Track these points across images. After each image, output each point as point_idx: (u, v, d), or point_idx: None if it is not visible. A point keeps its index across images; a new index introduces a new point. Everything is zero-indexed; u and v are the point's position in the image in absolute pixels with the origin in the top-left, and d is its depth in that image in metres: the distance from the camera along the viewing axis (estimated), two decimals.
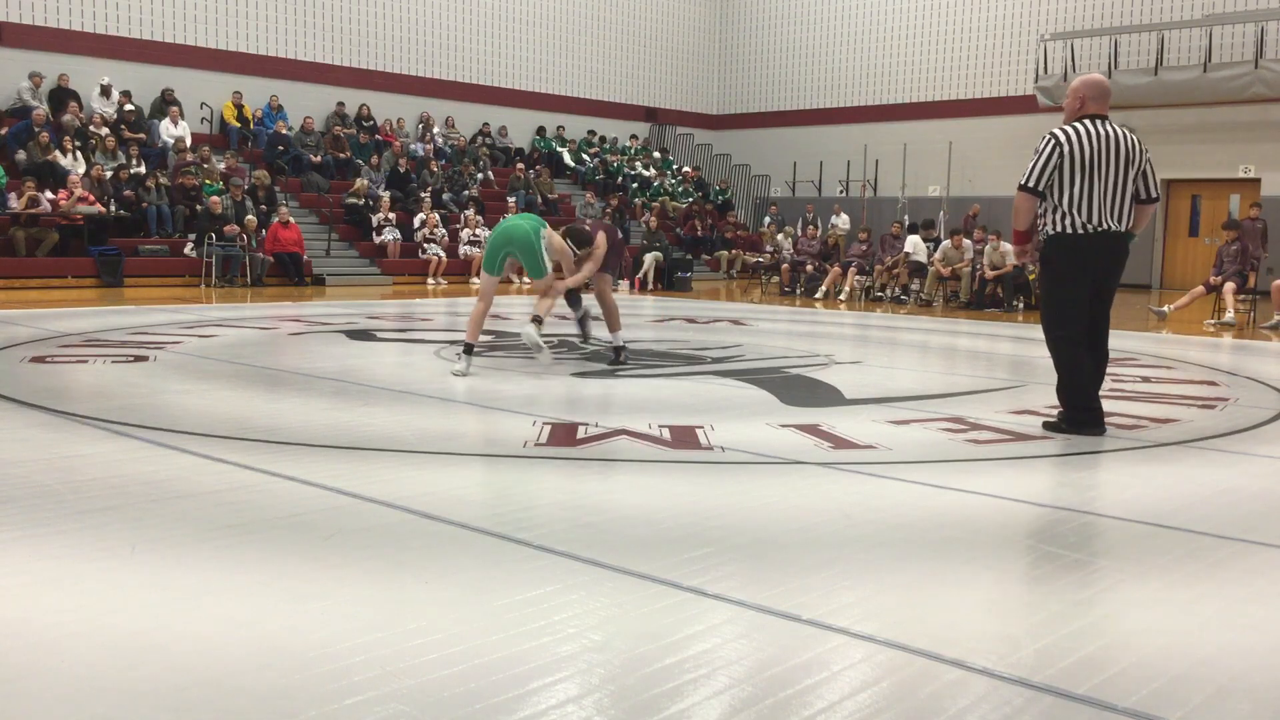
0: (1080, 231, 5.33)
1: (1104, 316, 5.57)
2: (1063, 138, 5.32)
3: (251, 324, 10.49)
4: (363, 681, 2.37)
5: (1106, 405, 5.74)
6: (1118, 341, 9.27)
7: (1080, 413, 5.48)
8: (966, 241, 16.63)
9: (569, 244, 7.86)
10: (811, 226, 20.20)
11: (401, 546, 3.37)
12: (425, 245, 18.86)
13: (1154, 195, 5.50)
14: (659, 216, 21.73)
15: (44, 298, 13.40)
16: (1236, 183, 20.98)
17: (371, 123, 21.70)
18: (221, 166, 18.21)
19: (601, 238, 7.95)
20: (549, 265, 7.54)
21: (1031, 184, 5.35)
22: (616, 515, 3.81)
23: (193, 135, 19.03)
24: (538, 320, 7.56)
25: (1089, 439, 5.38)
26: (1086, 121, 5.36)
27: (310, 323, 10.81)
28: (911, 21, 24.96)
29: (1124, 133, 5.40)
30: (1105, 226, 5.34)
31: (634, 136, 26.72)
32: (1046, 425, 5.62)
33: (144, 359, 7.65)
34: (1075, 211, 5.32)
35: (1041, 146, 5.37)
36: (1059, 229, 5.38)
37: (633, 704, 2.31)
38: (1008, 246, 15.10)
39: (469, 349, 7.35)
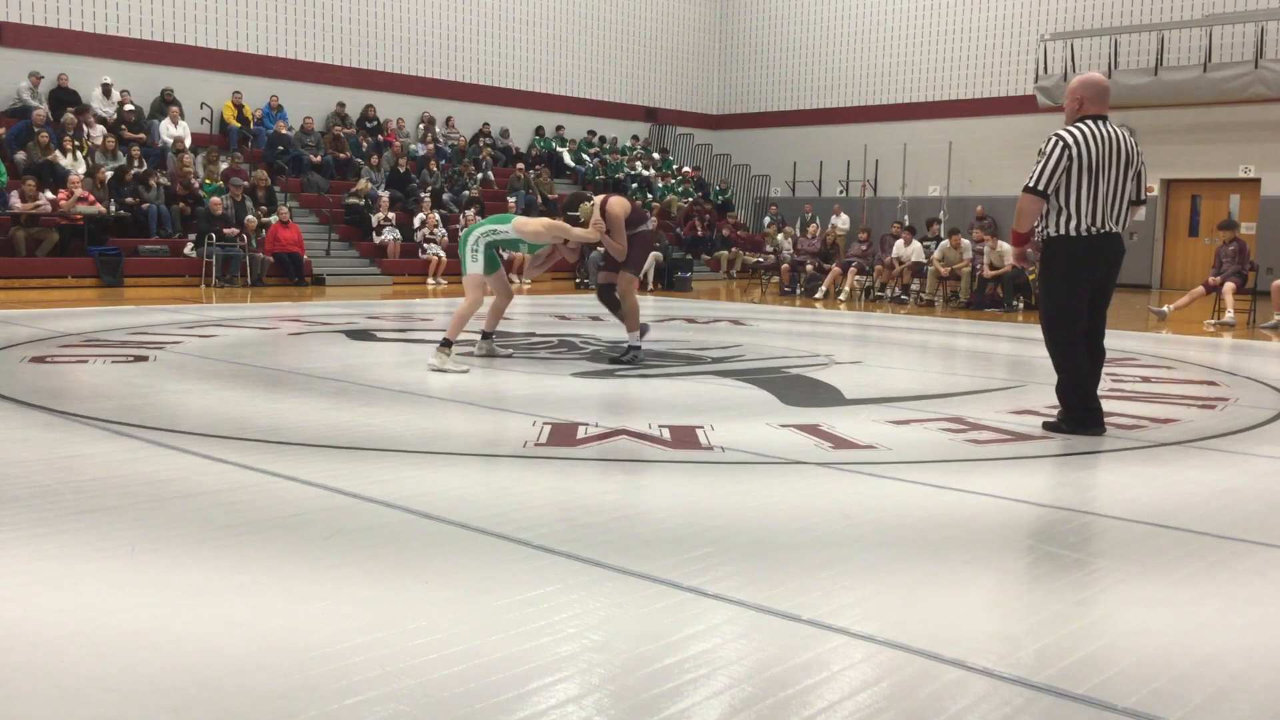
0: (1084, 234, 5.32)
1: (1101, 316, 5.58)
2: (1070, 140, 5.28)
3: (251, 324, 10.49)
4: (363, 681, 2.37)
5: (1106, 405, 5.74)
6: (1118, 341, 9.29)
7: (1080, 413, 5.48)
8: (965, 241, 16.63)
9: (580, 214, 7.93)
10: (813, 225, 20.19)
11: (401, 546, 3.37)
12: (425, 245, 18.85)
13: (1143, 198, 5.51)
14: (659, 216, 21.72)
15: (44, 298, 13.40)
16: (1236, 183, 20.97)
17: (375, 123, 21.69)
18: (224, 166, 18.21)
19: (619, 208, 7.88)
20: (471, 266, 7.65)
21: (1040, 187, 5.30)
22: (616, 515, 3.81)
23: (193, 135, 19.02)
24: (446, 345, 7.35)
25: (1089, 439, 5.37)
26: (1089, 123, 5.34)
27: (310, 323, 10.80)
28: (911, 21, 24.95)
29: (1123, 134, 5.39)
30: (1107, 228, 5.34)
31: (634, 137, 26.71)
32: (1046, 425, 5.62)
33: (144, 359, 7.65)
34: (1078, 213, 5.31)
35: (1049, 149, 5.32)
36: (1062, 231, 5.35)
37: (633, 704, 2.31)
38: (1006, 246, 15.08)
39: (486, 336, 8.22)
